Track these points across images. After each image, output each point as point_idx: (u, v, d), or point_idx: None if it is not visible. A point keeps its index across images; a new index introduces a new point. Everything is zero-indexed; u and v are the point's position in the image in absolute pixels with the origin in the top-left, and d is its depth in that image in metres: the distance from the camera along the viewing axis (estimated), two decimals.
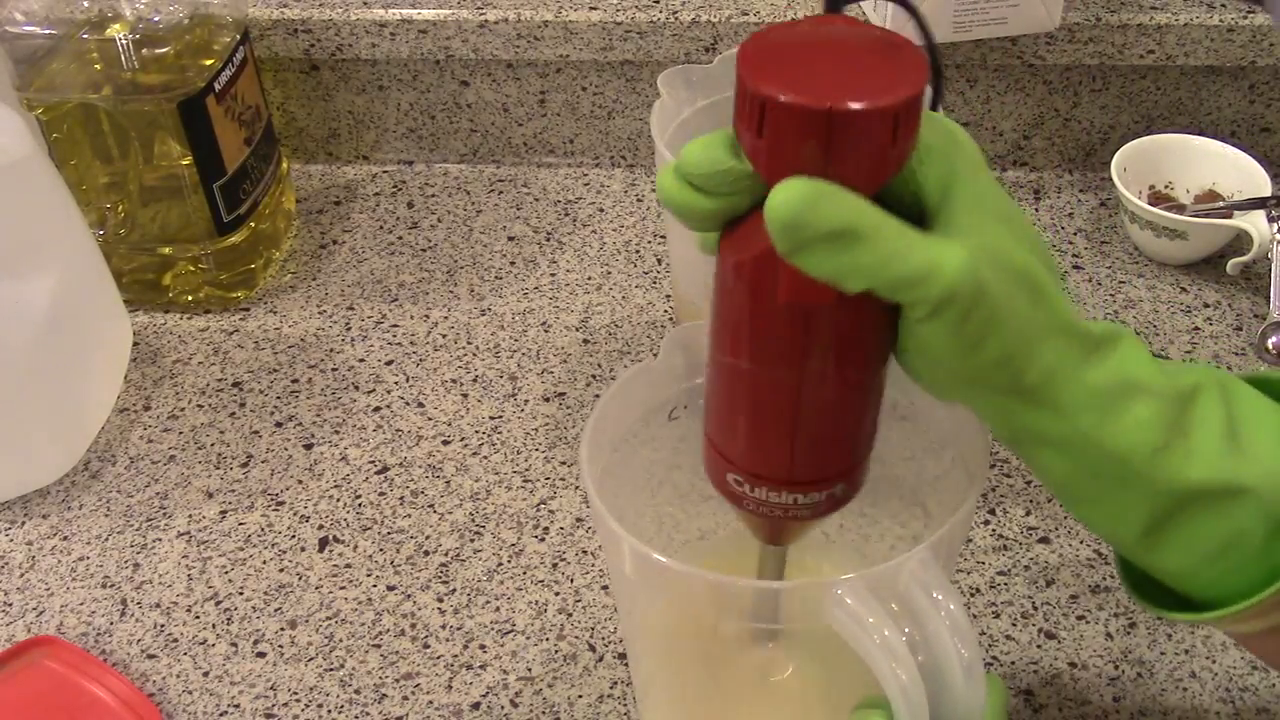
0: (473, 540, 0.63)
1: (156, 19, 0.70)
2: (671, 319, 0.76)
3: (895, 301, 0.33)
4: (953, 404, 0.39)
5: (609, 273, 0.80)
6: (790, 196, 0.31)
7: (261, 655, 0.58)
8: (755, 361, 0.35)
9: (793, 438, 0.36)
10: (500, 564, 0.62)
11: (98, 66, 0.71)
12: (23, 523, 0.65)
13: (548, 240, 0.83)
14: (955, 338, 0.33)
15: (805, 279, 0.33)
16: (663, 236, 0.83)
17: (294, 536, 0.64)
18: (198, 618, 0.60)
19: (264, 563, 0.62)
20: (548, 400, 0.71)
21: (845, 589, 0.37)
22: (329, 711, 0.55)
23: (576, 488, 0.65)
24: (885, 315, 0.35)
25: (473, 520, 0.64)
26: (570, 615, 0.59)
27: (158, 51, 0.70)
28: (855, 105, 0.31)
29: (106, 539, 0.64)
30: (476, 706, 0.55)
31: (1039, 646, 0.57)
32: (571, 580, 0.61)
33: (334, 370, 0.74)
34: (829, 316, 0.34)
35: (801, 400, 0.36)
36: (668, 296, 0.78)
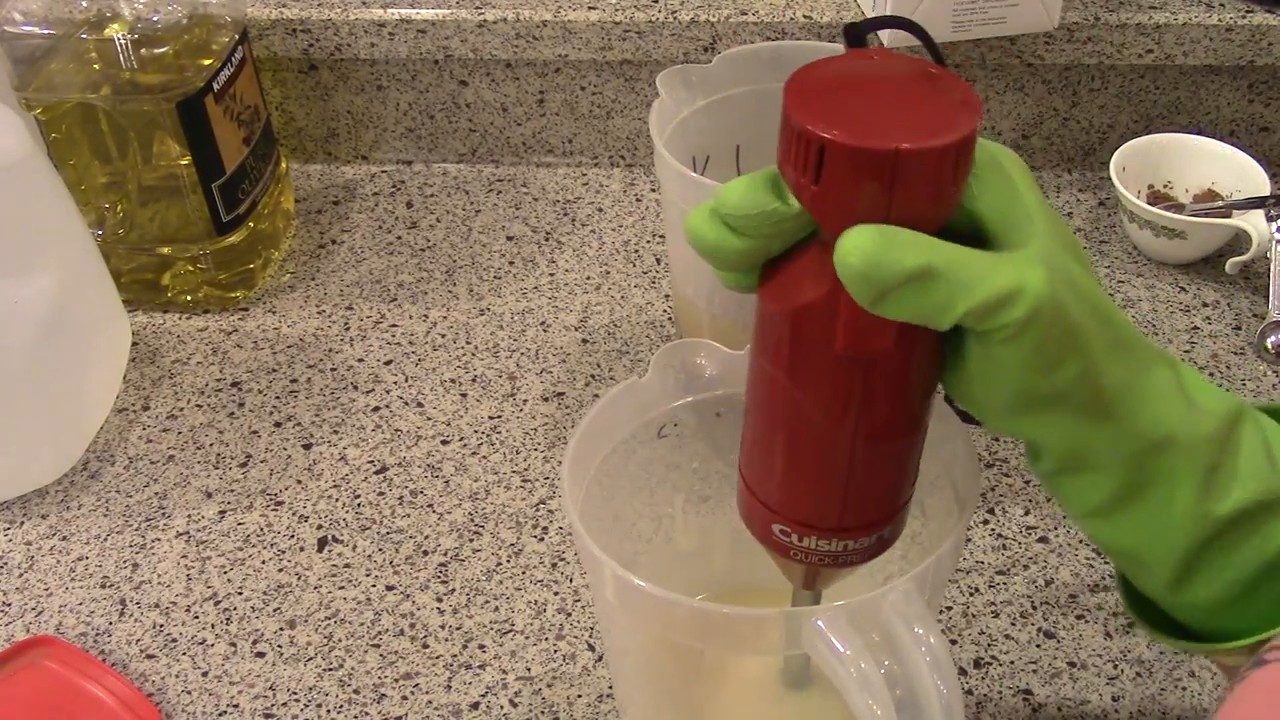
0: (472, 540, 0.63)
1: (155, 19, 0.70)
2: (670, 319, 0.76)
3: (980, 329, 0.32)
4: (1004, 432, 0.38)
5: (608, 272, 0.80)
6: (862, 245, 0.30)
7: (261, 655, 0.58)
8: (808, 410, 0.34)
9: (846, 484, 0.36)
10: (499, 564, 0.62)
11: (96, 66, 0.71)
12: (22, 523, 0.65)
13: (546, 240, 0.83)
14: (1036, 356, 0.33)
15: (863, 325, 0.32)
16: (662, 236, 0.83)
17: (293, 536, 0.63)
18: (197, 618, 0.60)
19: (263, 563, 0.62)
20: (547, 400, 0.71)
21: (824, 620, 0.37)
22: (328, 711, 0.55)
23: None
24: (938, 349, 0.34)
25: (472, 520, 0.64)
26: (569, 615, 0.59)
27: (156, 51, 0.70)
28: (919, 145, 0.30)
29: (105, 539, 0.64)
30: (476, 706, 0.55)
31: (1038, 646, 0.57)
32: (570, 580, 0.61)
33: (333, 370, 0.74)
34: (887, 360, 0.33)
35: (856, 445, 0.35)
36: (667, 296, 0.78)
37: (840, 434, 0.34)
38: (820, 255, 0.33)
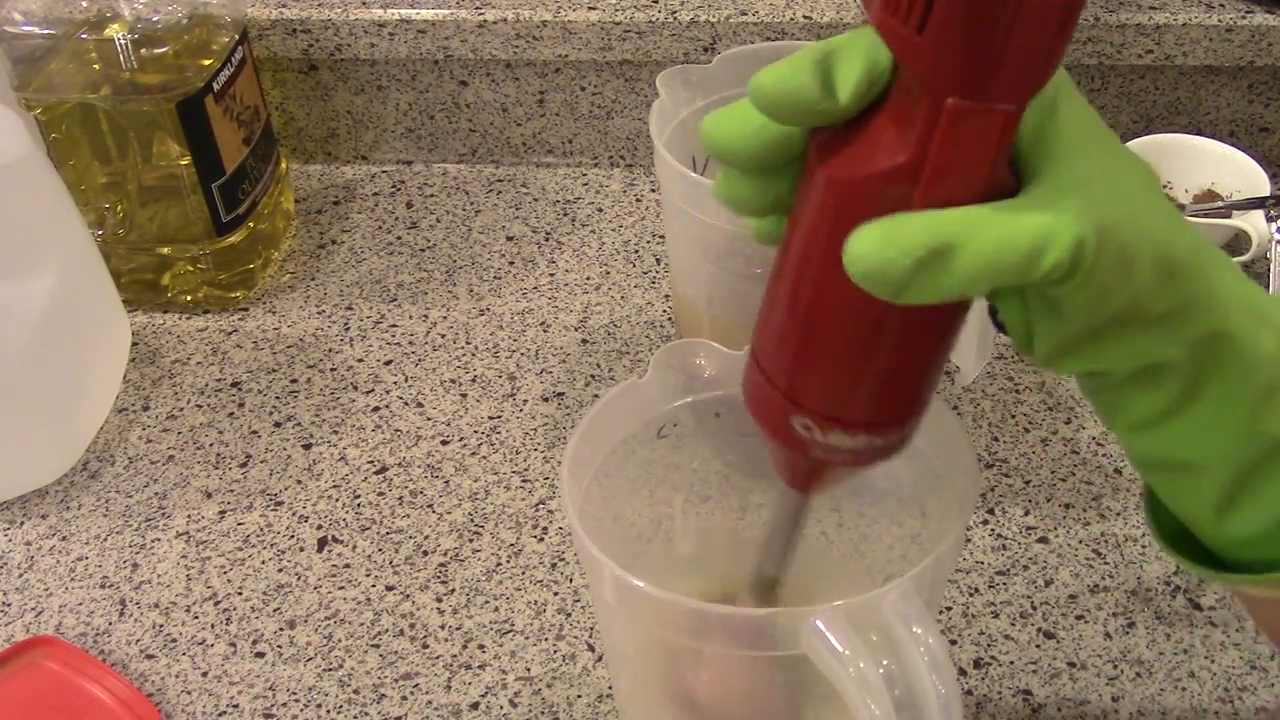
0: (472, 540, 0.63)
1: (155, 19, 0.70)
2: (670, 319, 0.76)
3: (1026, 282, 0.30)
4: (1057, 373, 0.35)
5: (608, 273, 0.80)
6: (866, 242, 0.29)
7: (260, 655, 0.58)
8: (859, 299, 0.32)
9: (884, 373, 0.34)
10: (499, 564, 0.62)
11: (96, 66, 0.71)
12: (21, 523, 0.65)
13: (546, 240, 0.83)
14: (1092, 287, 0.30)
15: (942, 198, 0.30)
16: (662, 237, 0.83)
17: (293, 536, 0.63)
18: (196, 618, 0.60)
19: (263, 563, 0.62)
20: (546, 400, 0.71)
21: (823, 620, 0.36)
22: (328, 711, 0.55)
23: None
24: None
25: (471, 520, 0.64)
26: (569, 615, 0.59)
27: (156, 51, 0.70)
28: None
29: (105, 539, 0.64)
30: (475, 706, 0.55)
31: (1038, 646, 0.57)
32: (570, 580, 0.61)
33: (333, 370, 0.74)
34: None
35: (902, 328, 0.33)
36: (666, 297, 0.78)
37: (889, 315, 0.32)
38: (900, 117, 0.30)
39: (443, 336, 0.76)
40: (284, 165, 0.83)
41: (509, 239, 0.84)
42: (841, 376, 0.34)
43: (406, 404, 0.71)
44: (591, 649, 0.57)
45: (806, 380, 0.35)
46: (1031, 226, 0.30)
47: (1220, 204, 0.77)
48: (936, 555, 0.38)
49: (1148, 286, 0.32)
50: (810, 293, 0.33)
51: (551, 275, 0.80)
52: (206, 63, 0.72)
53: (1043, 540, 0.62)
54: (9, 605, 0.61)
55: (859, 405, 0.34)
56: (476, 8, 0.83)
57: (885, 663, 0.36)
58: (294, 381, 0.73)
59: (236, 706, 0.56)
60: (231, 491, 0.66)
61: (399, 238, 0.84)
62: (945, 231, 0.29)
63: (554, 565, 0.61)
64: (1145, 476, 0.39)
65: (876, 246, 0.29)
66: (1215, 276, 0.34)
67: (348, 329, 0.77)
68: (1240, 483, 0.35)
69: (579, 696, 0.55)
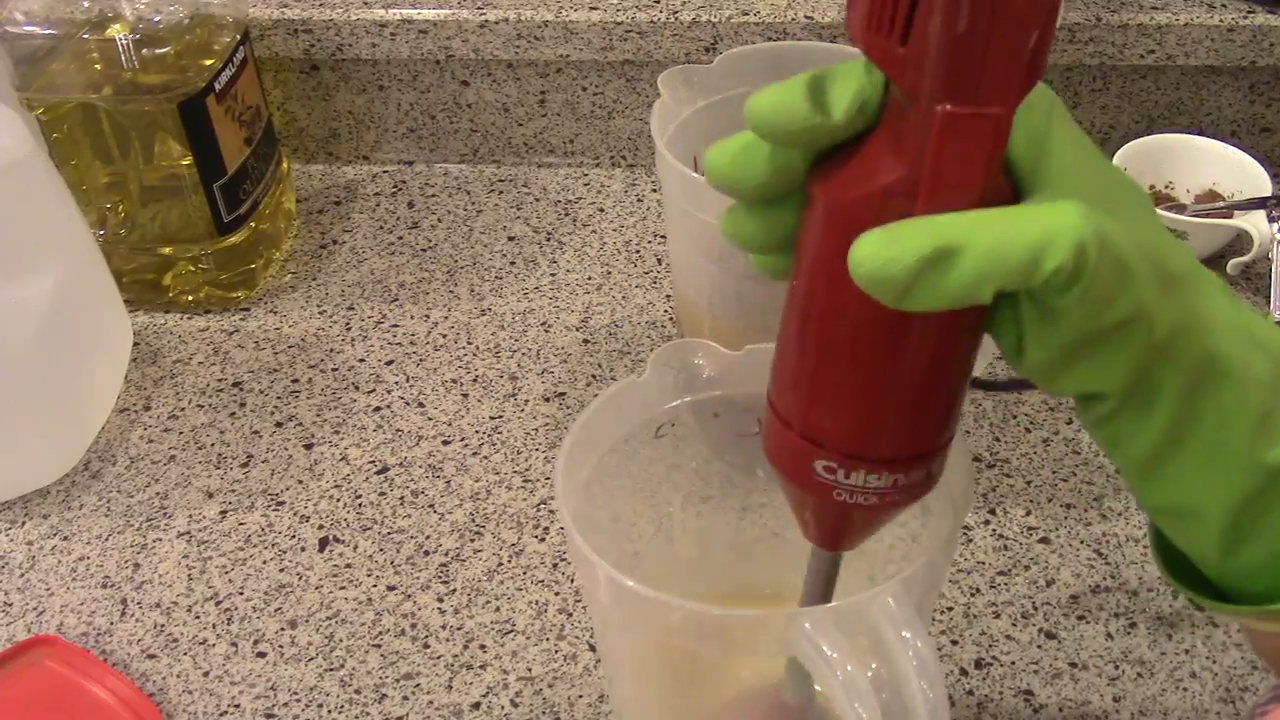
0: (473, 540, 0.63)
1: (157, 19, 0.70)
2: (671, 319, 0.76)
3: (1028, 287, 0.30)
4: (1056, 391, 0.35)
5: (609, 273, 0.80)
6: (868, 247, 0.29)
7: (262, 655, 0.58)
8: (871, 317, 0.32)
9: (905, 405, 0.33)
10: (500, 564, 0.62)
11: (98, 66, 0.71)
12: (23, 523, 0.65)
13: (548, 240, 0.83)
14: (1090, 296, 0.30)
15: (929, 206, 0.30)
16: (663, 237, 0.83)
17: (294, 536, 0.64)
18: (198, 618, 0.60)
19: (264, 563, 0.62)
20: (548, 400, 0.71)
21: (812, 622, 0.36)
22: (329, 711, 0.55)
23: None
24: None
25: (473, 520, 0.64)
26: (570, 615, 0.59)
27: (158, 51, 0.70)
28: None
29: (107, 539, 0.64)
30: (476, 706, 0.55)
31: (1039, 646, 0.57)
32: (571, 580, 0.61)
33: (334, 370, 0.74)
34: None
35: (921, 358, 0.33)
36: (668, 297, 0.78)
37: (901, 338, 0.32)
38: (893, 134, 0.31)
39: (444, 336, 0.76)
40: (285, 165, 0.83)
41: (510, 239, 0.84)
42: (859, 410, 0.34)
43: (408, 404, 0.71)
44: (592, 649, 0.57)
45: (824, 418, 0.34)
46: (1034, 228, 0.30)
47: (1222, 204, 0.77)
48: (928, 559, 0.38)
49: (1149, 299, 0.32)
50: (820, 322, 0.33)
51: (553, 275, 0.80)
52: (208, 63, 0.72)
53: (1044, 540, 0.62)
54: (10, 605, 0.61)
55: (880, 440, 0.34)
56: (478, 8, 0.83)
57: (874, 666, 0.36)
58: (295, 381, 0.73)
59: (238, 706, 0.56)
60: (233, 491, 0.66)
61: (400, 238, 0.84)
62: (948, 232, 0.29)
63: (555, 565, 0.61)
64: (1153, 517, 0.39)
65: (880, 248, 0.29)
66: (1209, 297, 0.34)
67: (349, 329, 0.77)
68: (1242, 513, 0.35)
69: (580, 697, 0.55)
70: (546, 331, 0.76)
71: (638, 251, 0.82)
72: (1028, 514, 0.63)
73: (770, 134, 0.32)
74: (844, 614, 0.37)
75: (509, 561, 0.62)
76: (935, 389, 0.34)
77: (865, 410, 0.34)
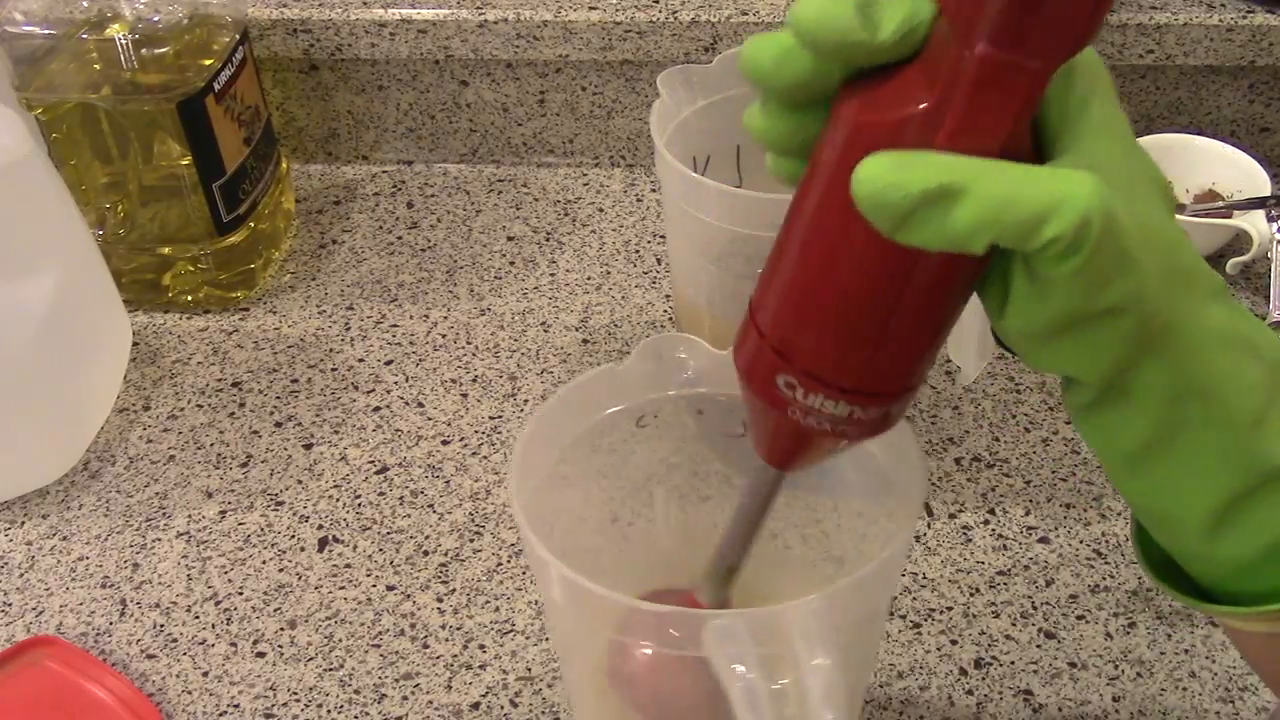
0: (472, 540, 0.63)
1: (156, 19, 0.70)
2: (671, 319, 0.76)
3: (1024, 248, 0.29)
4: (1039, 369, 0.34)
5: (608, 273, 0.80)
6: (874, 167, 0.28)
7: (261, 655, 0.58)
8: (868, 244, 0.31)
9: (879, 338, 0.33)
10: (500, 564, 0.62)
11: (97, 66, 0.71)
12: (22, 523, 0.65)
13: (547, 240, 0.83)
14: (1086, 272, 0.30)
15: (949, 144, 0.29)
16: (662, 237, 0.83)
17: (293, 536, 0.64)
18: (197, 618, 0.60)
19: (263, 563, 0.62)
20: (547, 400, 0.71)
21: (721, 626, 0.36)
22: (329, 711, 0.55)
23: None
24: None
25: (472, 520, 0.64)
26: None
27: (157, 51, 0.70)
28: None
29: (106, 539, 0.64)
30: (476, 706, 0.55)
31: (1039, 646, 0.57)
32: None
33: (333, 370, 0.74)
34: None
35: (908, 293, 0.32)
36: (667, 296, 0.78)
37: (891, 274, 0.32)
38: (931, 67, 0.30)
39: (443, 336, 0.76)
40: (285, 165, 0.83)
41: (510, 239, 0.84)
42: (834, 335, 0.33)
43: (407, 404, 0.71)
44: None
45: (798, 335, 0.34)
46: (1044, 190, 0.29)
47: (1221, 204, 0.77)
48: (855, 578, 0.37)
49: (1149, 291, 0.31)
50: (817, 239, 0.33)
51: (552, 275, 0.80)
52: (207, 63, 0.72)
53: (1043, 540, 0.62)
54: (10, 605, 0.61)
55: (845, 369, 0.34)
56: (477, 8, 0.83)
57: (784, 681, 0.35)
58: (295, 381, 0.73)
59: (237, 706, 0.56)
60: (232, 491, 0.66)
61: (400, 237, 0.84)
62: (957, 173, 0.29)
63: None
64: (1139, 515, 0.38)
65: (886, 170, 0.29)
66: (1209, 300, 0.33)
67: (348, 329, 0.77)
68: (1227, 511, 0.35)
69: None
70: (546, 331, 0.76)
71: (637, 251, 0.82)
72: (1027, 514, 0.63)
73: (812, 43, 0.31)
74: (755, 621, 0.36)
75: (508, 561, 0.62)
76: (909, 332, 0.33)
77: (835, 335, 0.33)
